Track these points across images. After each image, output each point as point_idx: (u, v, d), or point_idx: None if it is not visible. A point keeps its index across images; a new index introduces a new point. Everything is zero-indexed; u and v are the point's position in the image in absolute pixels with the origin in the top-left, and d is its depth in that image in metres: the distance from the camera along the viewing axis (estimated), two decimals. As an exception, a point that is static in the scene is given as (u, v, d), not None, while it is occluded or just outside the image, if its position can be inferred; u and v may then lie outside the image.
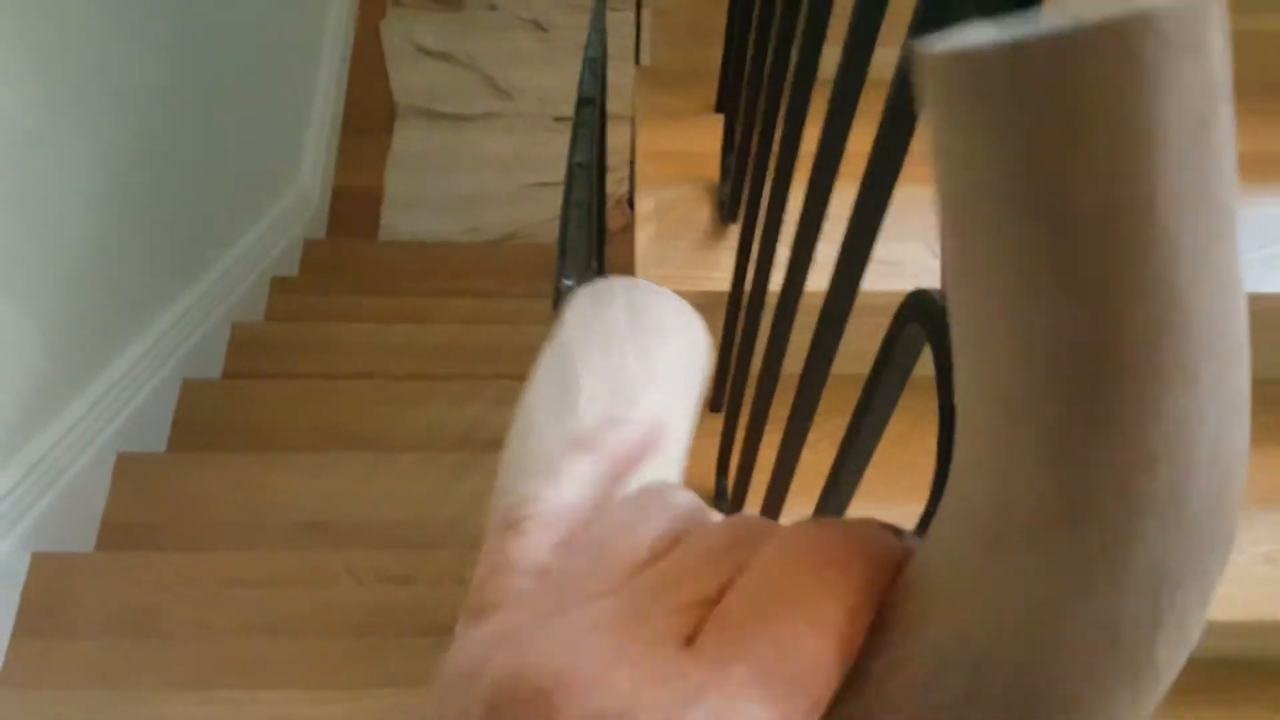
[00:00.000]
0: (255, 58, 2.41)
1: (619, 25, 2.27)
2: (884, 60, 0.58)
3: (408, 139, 3.03)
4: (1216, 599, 0.81)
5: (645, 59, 1.28)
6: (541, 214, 2.85)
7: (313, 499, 1.74)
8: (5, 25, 1.41)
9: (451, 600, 1.62)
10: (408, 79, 3.14)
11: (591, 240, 0.77)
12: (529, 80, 3.14)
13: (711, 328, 1.04)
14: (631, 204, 2.59)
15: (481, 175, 2.94)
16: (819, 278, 0.74)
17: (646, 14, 1.40)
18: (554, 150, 2.92)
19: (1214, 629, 0.82)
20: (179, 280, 2.04)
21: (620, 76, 1.91)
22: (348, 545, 1.67)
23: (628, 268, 2.17)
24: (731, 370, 0.99)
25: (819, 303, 0.71)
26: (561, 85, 3.05)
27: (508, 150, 3.02)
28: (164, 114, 1.91)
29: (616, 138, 2.32)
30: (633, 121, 2.10)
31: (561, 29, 3.24)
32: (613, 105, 1.90)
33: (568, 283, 0.71)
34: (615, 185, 2.74)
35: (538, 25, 3.28)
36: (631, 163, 2.45)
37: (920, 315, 0.47)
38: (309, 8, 2.91)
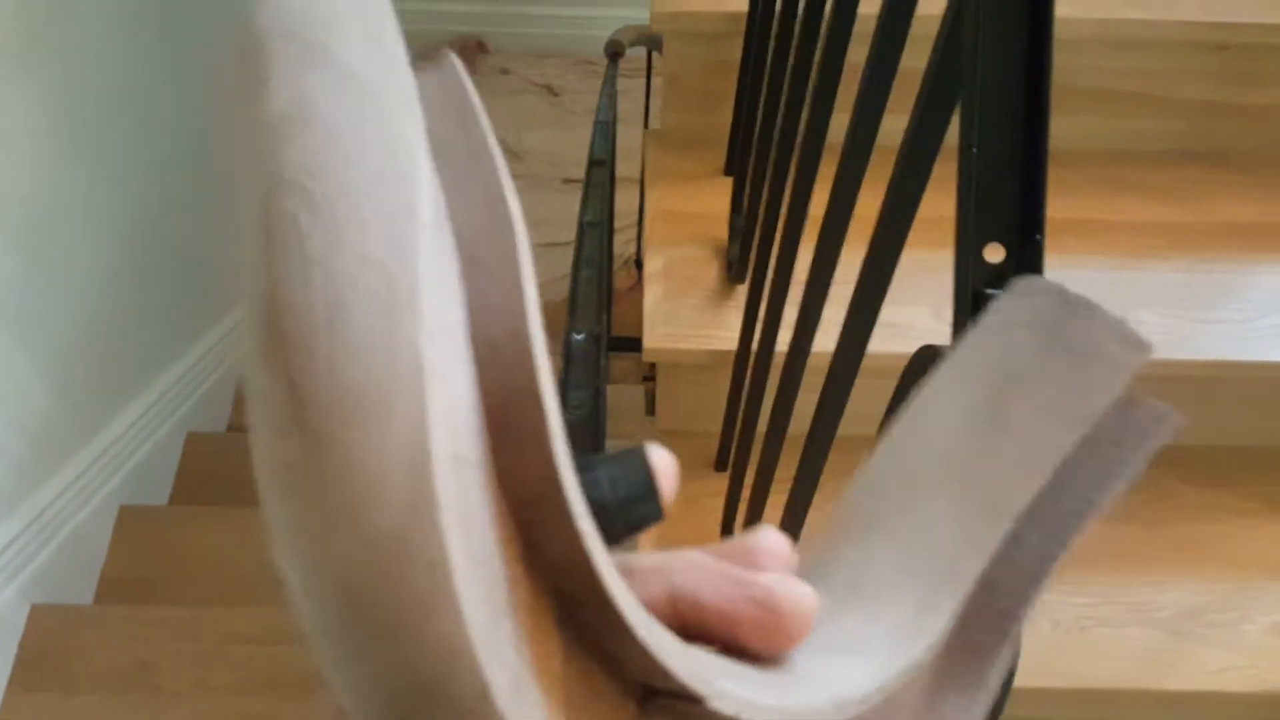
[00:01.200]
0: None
1: (630, 90, 2.31)
2: (891, 127, 0.59)
3: (419, 198, 3.05)
4: (1224, 670, 0.81)
5: (655, 123, 1.30)
6: (551, 273, 2.86)
7: (315, 555, 1.73)
8: (33, 79, 1.44)
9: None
10: (420, 140, 3.18)
11: (601, 296, 0.78)
12: (540, 142, 3.18)
13: (718, 387, 1.05)
14: (639, 264, 2.61)
15: (492, 235, 2.96)
16: (826, 339, 0.75)
17: (657, 80, 1.42)
18: (563, 211, 2.94)
19: (1221, 701, 0.82)
20: (187, 334, 2.05)
21: (630, 140, 1.94)
22: (349, 602, 1.65)
23: (634, 326, 2.17)
24: (738, 430, 0.99)
25: (826, 364, 0.71)
26: (572, 148, 3.09)
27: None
28: (182, 171, 1.94)
29: (624, 200, 2.34)
30: (641, 184, 2.12)
31: (573, 93, 3.29)
32: (621, 168, 1.92)
33: (577, 336, 0.72)
34: (623, 246, 2.76)
35: (550, 90, 3.33)
36: (639, 223, 2.47)
37: (928, 373, 0.48)
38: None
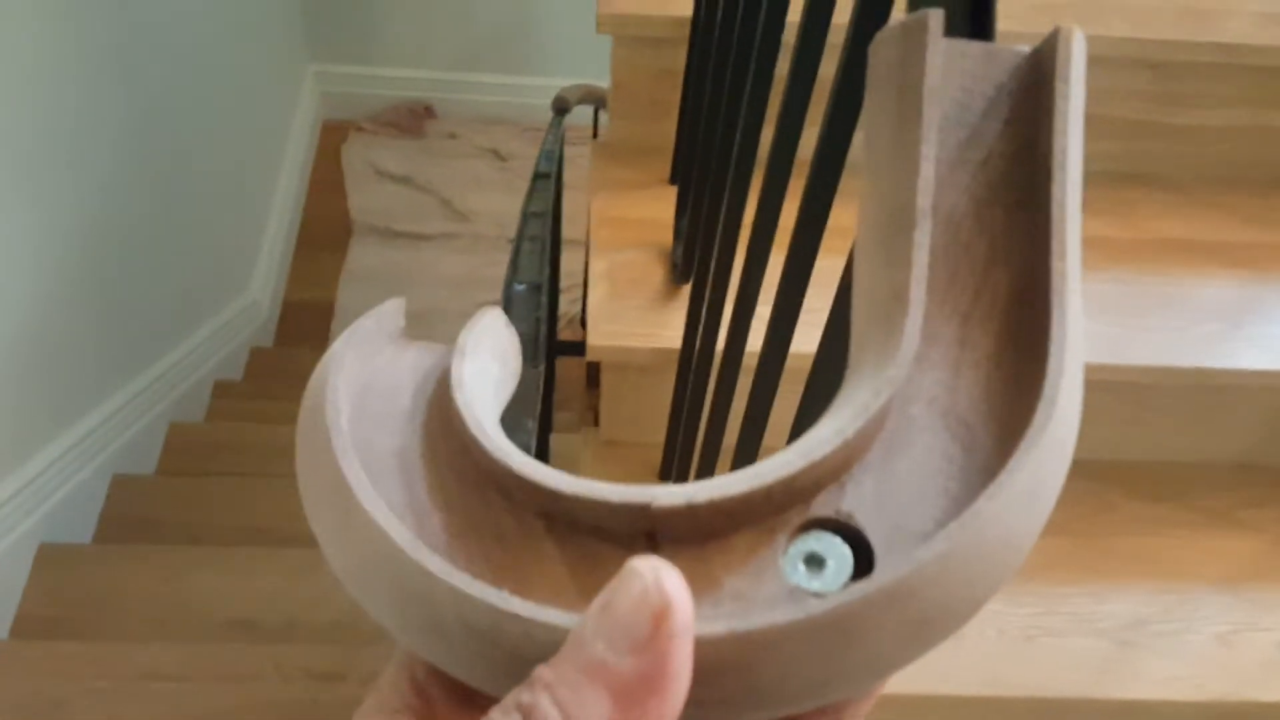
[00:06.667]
0: (216, 168, 2.43)
1: (575, 159, 2.31)
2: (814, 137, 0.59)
3: (363, 255, 3.04)
4: (1169, 680, 0.81)
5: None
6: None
7: (242, 596, 1.67)
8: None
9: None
10: (366, 199, 3.18)
11: (543, 260, 0.78)
12: (486, 204, 3.19)
13: (662, 391, 1.03)
14: (584, 324, 2.61)
15: (436, 292, 2.96)
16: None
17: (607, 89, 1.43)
18: (508, 271, 2.95)
19: (1167, 710, 0.81)
20: (118, 375, 1.99)
21: (574, 206, 1.94)
22: (276, 642, 1.59)
23: (577, 382, 2.14)
24: (681, 430, 0.98)
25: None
26: (517, 210, 3.10)
27: (463, 270, 3.04)
28: (120, 211, 1.91)
29: (570, 261, 2.34)
30: (587, 244, 2.13)
31: (520, 159, 3.32)
32: (568, 230, 1.93)
33: (519, 287, 0.72)
34: (568, 305, 2.76)
35: (497, 154, 3.35)
36: (585, 283, 2.48)
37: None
38: (272, 128, 2.96)
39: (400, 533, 0.22)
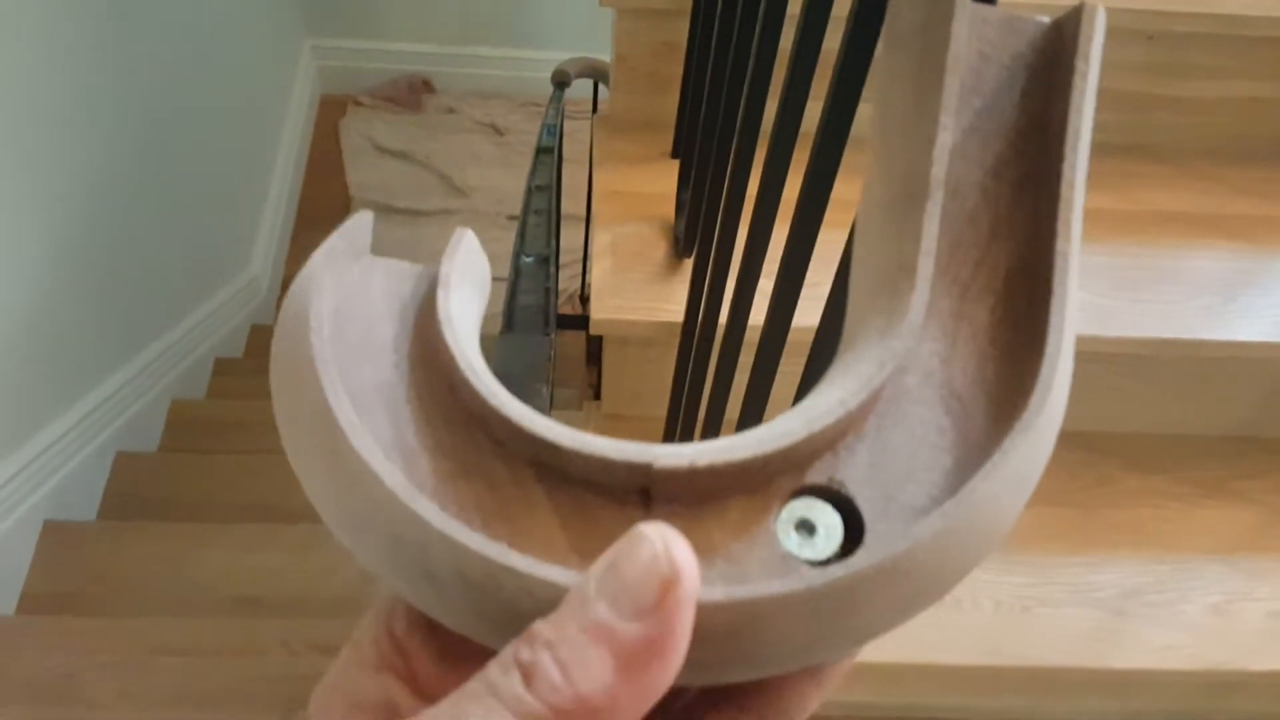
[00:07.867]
0: (216, 144, 2.43)
1: (574, 132, 2.31)
2: (817, 112, 0.59)
3: (361, 232, 3.04)
4: (1164, 649, 0.82)
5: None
6: (492, 307, 2.85)
7: (247, 572, 1.68)
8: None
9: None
10: (364, 175, 3.18)
11: (550, 230, 0.79)
12: (485, 180, 3.19)
13: (664, 365, 1.04)
14: (584, 298, 2.61)
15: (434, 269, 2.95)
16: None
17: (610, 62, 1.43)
18: (507, 247, 2.94)
19: (1162, 679, 0.82)
20: (120, 353, 2.00)
21: (572, 180, 1.94)
22: (282, 617, 1.61)
23: (577, 360, 2.15)
24: (683, 404, 0.99)
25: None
26: (515, 186, 3.09)
27: (461, 245, 3.04)
28: (119, 189, 1.91)
29: (570, 238, 2.34)
30: (587, 221, 2.13)
31: (518, 133, 3.31)
32: (567, 206, 1.93)
33: (527, 259, 0.73)
34: (568, 281, 2.76)
35: (495, 129, 3.34)
36: (584, 259, 2.47)
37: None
38: (270, 103, 2.95)
39: (393, 476, 0.21)
